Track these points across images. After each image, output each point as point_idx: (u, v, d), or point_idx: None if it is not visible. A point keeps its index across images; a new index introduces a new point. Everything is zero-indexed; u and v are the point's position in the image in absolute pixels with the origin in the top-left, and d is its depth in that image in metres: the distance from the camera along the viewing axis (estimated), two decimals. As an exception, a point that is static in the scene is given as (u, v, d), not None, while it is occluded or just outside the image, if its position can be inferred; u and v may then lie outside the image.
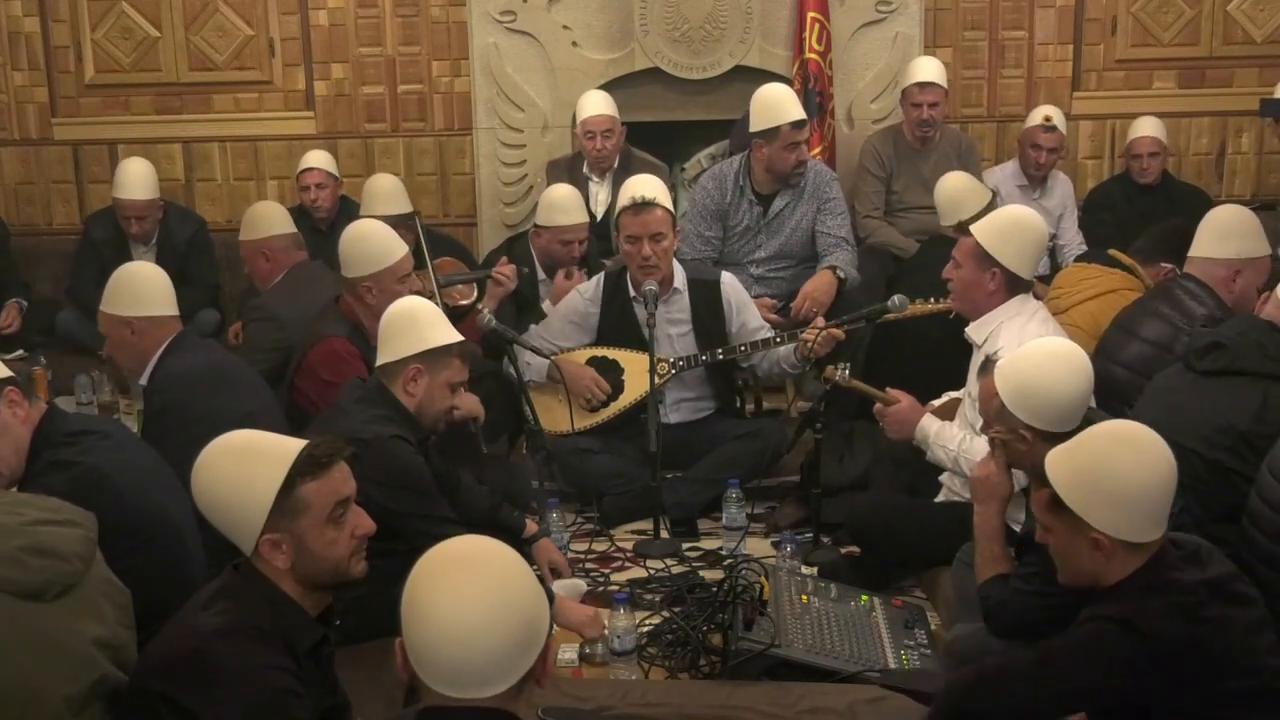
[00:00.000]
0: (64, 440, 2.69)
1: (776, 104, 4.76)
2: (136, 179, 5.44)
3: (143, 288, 3.50)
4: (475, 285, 4.72)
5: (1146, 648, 2.16)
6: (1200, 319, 3.46)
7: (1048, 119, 5.54)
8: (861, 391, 3.76)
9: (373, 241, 3.88)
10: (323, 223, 5.46)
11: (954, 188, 4.80)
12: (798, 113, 4.75)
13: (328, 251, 4.84)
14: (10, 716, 2.01)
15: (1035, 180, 5.64)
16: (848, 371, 3.67)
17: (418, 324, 3.25)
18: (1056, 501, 2.29)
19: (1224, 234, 3.58)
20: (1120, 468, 2.24)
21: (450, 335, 3.27)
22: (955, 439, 3.49)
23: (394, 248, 3.89)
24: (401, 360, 3.21)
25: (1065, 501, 2.27)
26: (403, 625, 1.77)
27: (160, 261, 5.36)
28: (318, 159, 5.54)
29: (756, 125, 4.80)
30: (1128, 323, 3.72)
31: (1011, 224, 3.61)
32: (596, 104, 5.35)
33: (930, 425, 3.53)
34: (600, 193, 5.38)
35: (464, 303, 4.60)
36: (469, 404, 3.96)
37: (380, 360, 3.27)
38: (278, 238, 4.64)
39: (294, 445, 2.27)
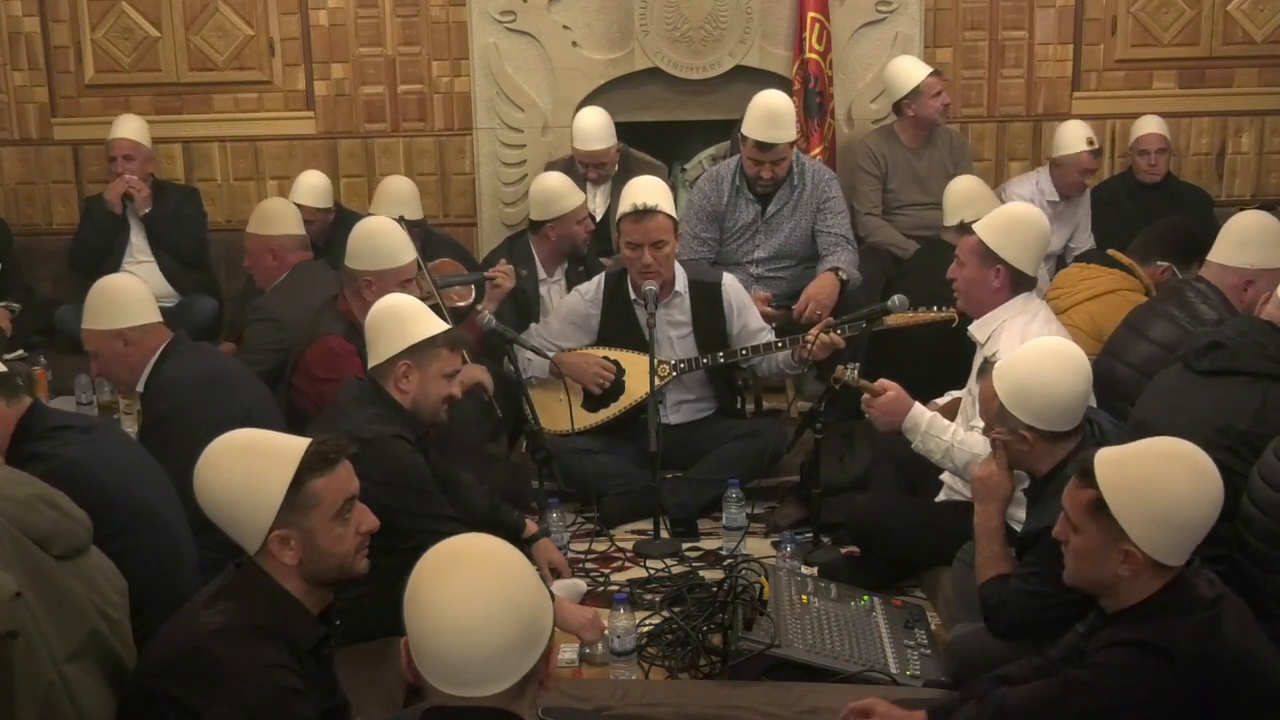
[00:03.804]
0: (43, 435, 2.72)
1: (760, 117, 4.71)
2: (129, 120, 5.62)
3: (126, 298, 3.46)
4: (474, 286, 4.72)
5: (1176, 670, 2.13)
6: (1208, 323, 3.45)
7: (1091, 141, 5.51)
8: (868, 390, 3.74)
9: (382, 240, 3.89)
10: (318, 237, 5.41)
11: (967, 189, 4.82)
12: (770, 134, 4.68)
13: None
14: (17, 653, 2.04)
15: (1067, 198, 5.62)
16: (857, 371, 3.64)
17: (401, 320, 3.25)
18: (1100, 505, 2.24)
19: (1242, 242, 3.55)
20: (1177, 489, 2.20)
21: (433, 326, 3.26)
22: (949, 430, 3.46)
23: (402, 251, 3.89)
24: (390, 360, 3.22)
25: (1111, 509, 2.22)
26: (406, 622, 1.77)
27: (150, 222, 5.52)
28: (308, 193, 5.33)
29: (742, 123, 4.80)
30: (1137, 323, 3.72)
31: (1014, 221, 3.60)
32: (595, 137, 5.21)
33: (921, 416, 3.47)
34: (598, 194, 5.37)
35: (462, 304, 4.60)
36: (474, 373, 3.96)
37: (371, 362, 3.27)
38: (288, 238, 4.64)
39: (299, 442, 2.29)
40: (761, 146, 4.70)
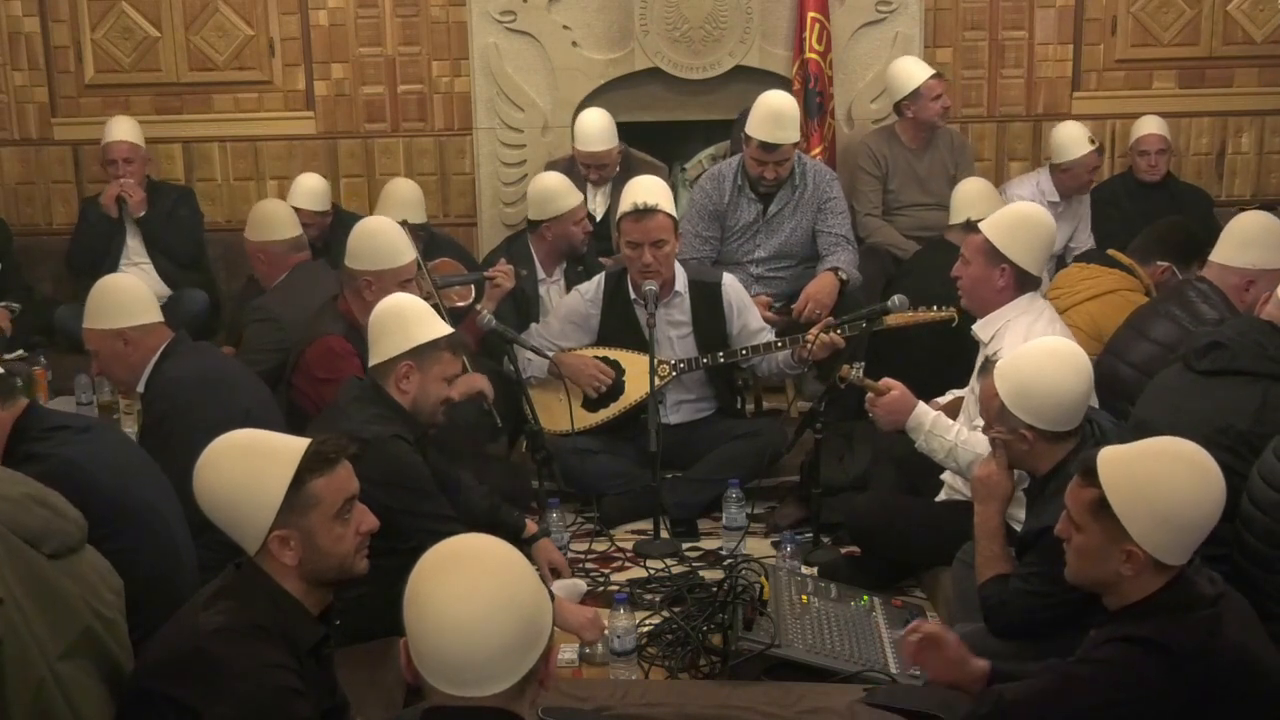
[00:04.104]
0: (39, 435, 2.72)
1: (765, 117, 4.69)
2: (123, 124, 5.60)
3: (127, 297, 3.46)
4: (473, 286, 4.72)
5: (1176, 666, 2.13)
6: (1209, 323, 3.45)
7: (1093, 140, 5.50)
8: (872, 389, 3.73)
9: (382, 240, 3.88)
10: (317, 239, 5.41)
11: (975, 190, 4.85)
12: (775, 135, 4.67)
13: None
14: (6, 654, 2.04)
15: (1068, 198, 5.62)
16: (861, 371, 3.64)
17: (404, 321, 3.25)
18: (1102, 504, 2.24)
19: (1244, 243, 3.56)
20: (1179, 489, 2.19)
21: (437, 330, 3.27)
22: (953, 429, 3.46)
23: (402, 251, 3.89)
24: (392, 360, 3.22)
25: (1113, 507, 2.22)
26: (405, 622, 1.77)
27: (145, 224, 5.52)
28: (305, 195, 5.33)
29: (747, 123, 4.79)
30: (1139, 323, 3.72)
31: (1020, 220, 3.60)
32: (597, 138, 5.22)
33: (925, 416, 3.46)
34: (599, 194, 5.37)
35: (462, 304, 4.60)
36: (475, 381, 3.97)
37: (372, 361, 3.27)
38: (276, 243, 4.64)
39: (299, 443, 2.29)
40: (766, 147, 4.70)
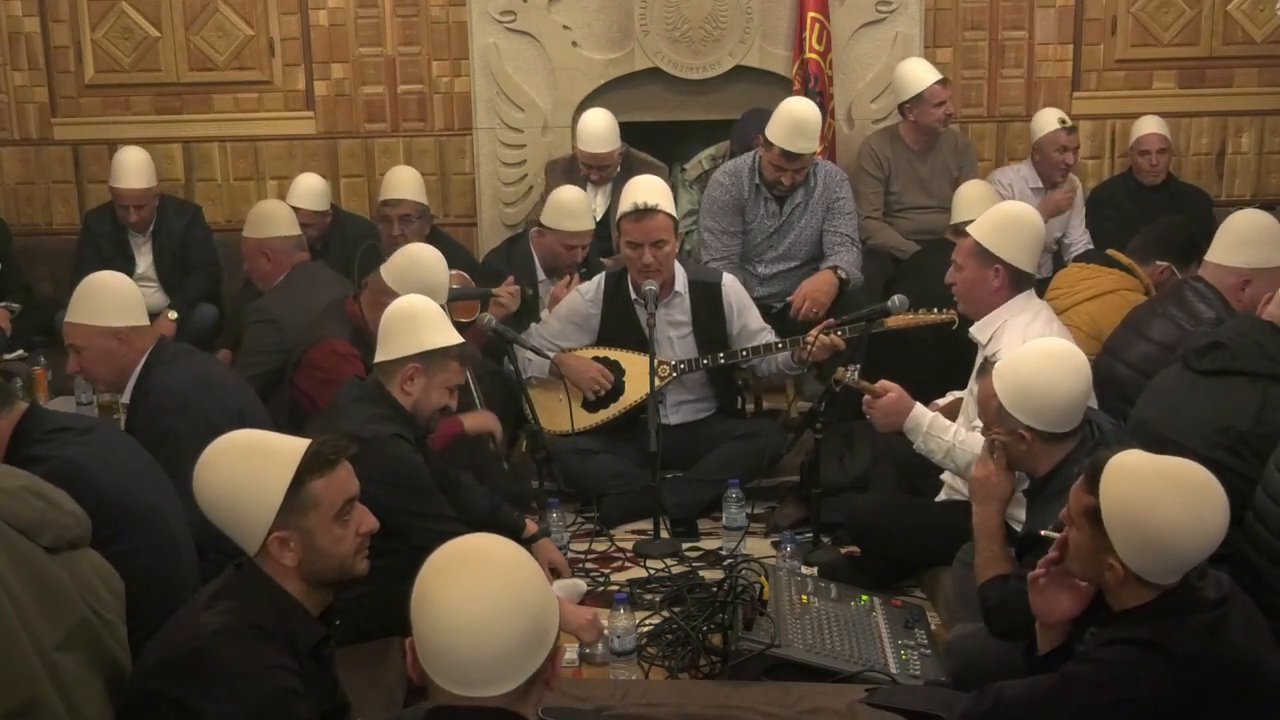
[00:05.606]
0: (41, 437, 2.72)
1: (789, 125, 4.67)
2: (134, 168, 5.46)
3: (123, 297, 3.41)
4: (478, 302, 4.71)
5: (1175, 667, 2.12)
6: (1207, 322, 3.45)
7: (1063, 120, 5.52)
8: (869, 391, 3.74)
9: (425, 275, 3.84)
10: (316, 240, 5.40)
11: (976, 193, 4.84)
12: (799, 144, 4.67)
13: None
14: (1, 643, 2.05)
15: (1052, 184, 5.62)
16: (857, 373, 3.64)
17: (417, 324, 3.25)
18: (1096, 514, 2.22)
19: (1238, 242, 3.55)
20: (1173, 518, 2.15)
21: (450, 337, 3.28)
22: (950, 429, 3.45)
23: (439, 288, 3.85)
24: (400, 359, 3.22)
25: (1104, 521, 2.20)
26: (412, 622, 1.77)
27: (157, 251, 5.52)
28: (305, 195, 5.32)
29: (767, 128, 4.78)
30: (1136, 323, 3.72)
31: (1008, 220, 3.60)
32: (600, 139, 5.22)
33: (923, 417, 3.46)
34: (599, 194, 5.37)
35: (465, 320, 4.59)
36: (487, 421, 3.97)
37: (379, 357, 3.27)
38: (280, 239, 4.63)
39: (299, 443, 2.29)
40: (788, 155, 4.69)
